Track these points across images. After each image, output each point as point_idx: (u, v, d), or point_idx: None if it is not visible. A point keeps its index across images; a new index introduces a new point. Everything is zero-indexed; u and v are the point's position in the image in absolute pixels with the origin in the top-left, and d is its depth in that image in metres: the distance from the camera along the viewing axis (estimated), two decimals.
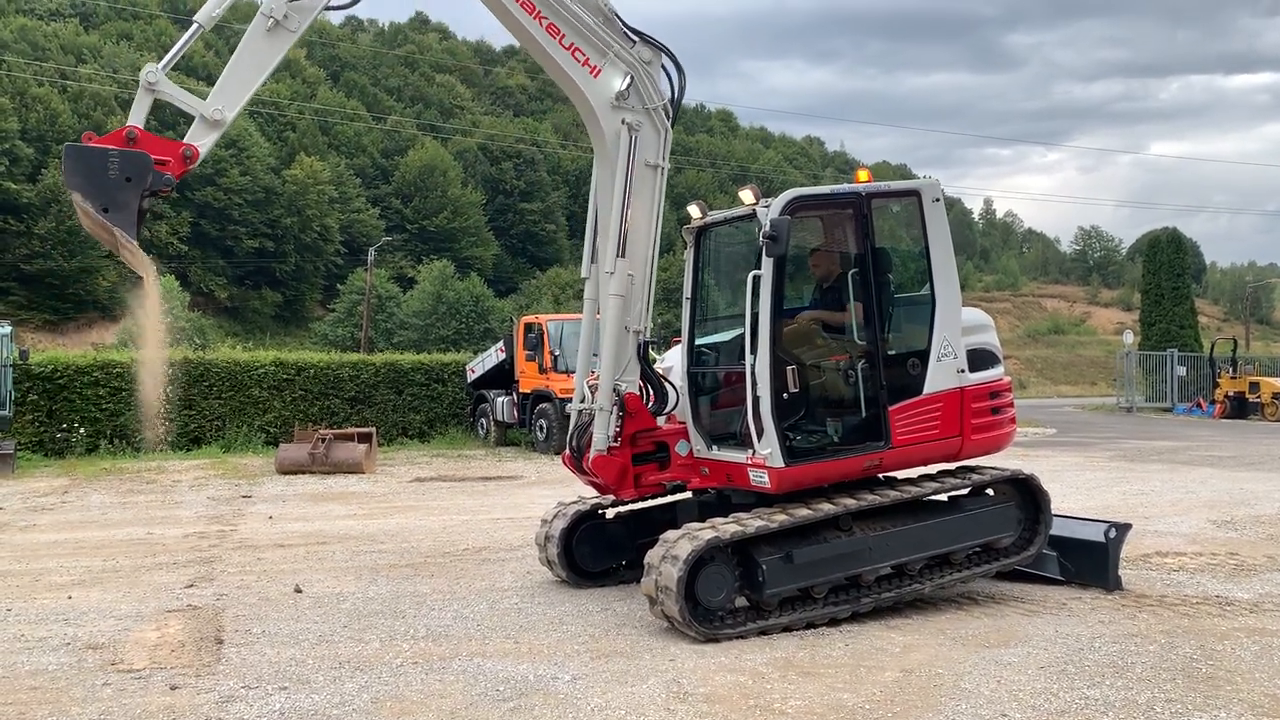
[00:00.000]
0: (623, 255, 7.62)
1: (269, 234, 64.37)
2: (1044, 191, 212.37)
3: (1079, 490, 14.50)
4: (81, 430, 21.07)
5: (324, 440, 18.57)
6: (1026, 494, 7.95)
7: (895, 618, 7.25)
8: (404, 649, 6.56)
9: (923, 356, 7.42)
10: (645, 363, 7.87)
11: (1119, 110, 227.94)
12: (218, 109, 6.63)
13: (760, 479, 7.08)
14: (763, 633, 6.80)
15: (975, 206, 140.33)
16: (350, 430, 19.91)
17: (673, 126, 7.92)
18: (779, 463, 6.93)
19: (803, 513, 6.98)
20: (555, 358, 21.78)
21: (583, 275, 8.25)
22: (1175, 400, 41.47)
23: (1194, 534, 10.89)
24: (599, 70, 7.61)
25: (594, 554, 8.49)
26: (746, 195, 7.31)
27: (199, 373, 22.68)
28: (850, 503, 7.15)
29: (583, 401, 7.98)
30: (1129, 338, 45.37)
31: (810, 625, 6.97)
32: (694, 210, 8.11)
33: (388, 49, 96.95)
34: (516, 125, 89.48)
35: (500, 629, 7.06)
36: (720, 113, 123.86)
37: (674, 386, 7.98)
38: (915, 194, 7.60)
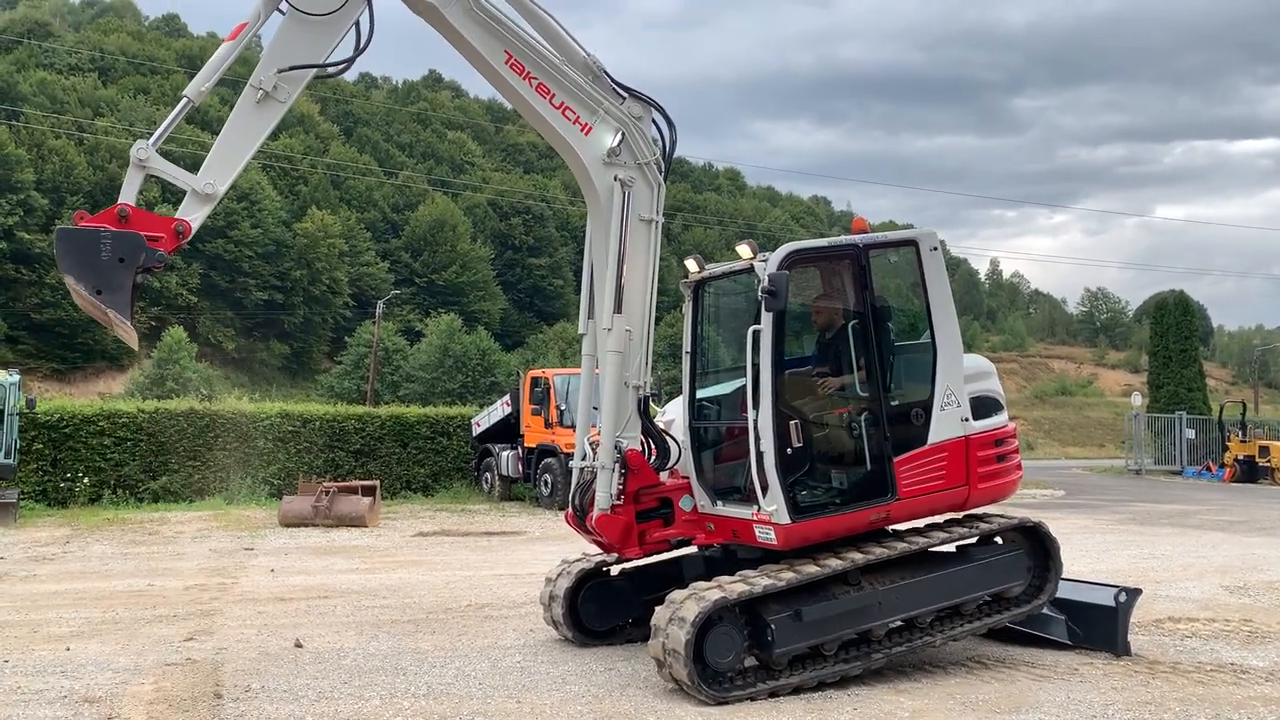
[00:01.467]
0: (619, 311, 7.58)
1: (278, 286, 64.79)
2: (1049, 253, 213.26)
3: (1088, 554, 14.34)
4: (85, 480, 21.02)
5: (328, 493, 18.49)
6: (1035, 541, 7.88)
7: (903, 681, 7.13)
8: (405, 707, 6.46)
9: (926, 406, 7.39)
10: (646, 418, 7.82)
11: (1123, 174, 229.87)
12: (209, 183, 6.57)
13: (767, 535, 7.01)
14: (773, 693, 6.70)
15: (981, 267, 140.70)
16: (354, 483, 19.85)
17: (666, 180, 7.90)
18: (785, 519, 6.87)
19: (810, 569, 6.90)
20: (561, 412, 21.75)
21: (580, 332, 8.24)
22: (1184, 463, 41.21)
23: (1206, 599, 10.74)
24: (590, 128, 7.60)
25: (599, 612, 8.38)
26: (744, 250, 7.32)
27: (205, 423, 22.67)
28: (858, 557, 7.08)
29: (584, 459, 7.92)
30: (1137, 399, 45.22)
31: (821, 684, 6.86)
32: (691, 264, 8.12)
33: (400, 105, 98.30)
34: (526, 181, 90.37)
35: (502, 688, 6.96)
36: (728, 171, 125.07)
37: (675, 441, 7.93)
38: (913, 243, 7.61)
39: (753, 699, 6.61)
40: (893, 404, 7.34)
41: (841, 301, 7.63)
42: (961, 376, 7.54)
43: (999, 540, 7.86)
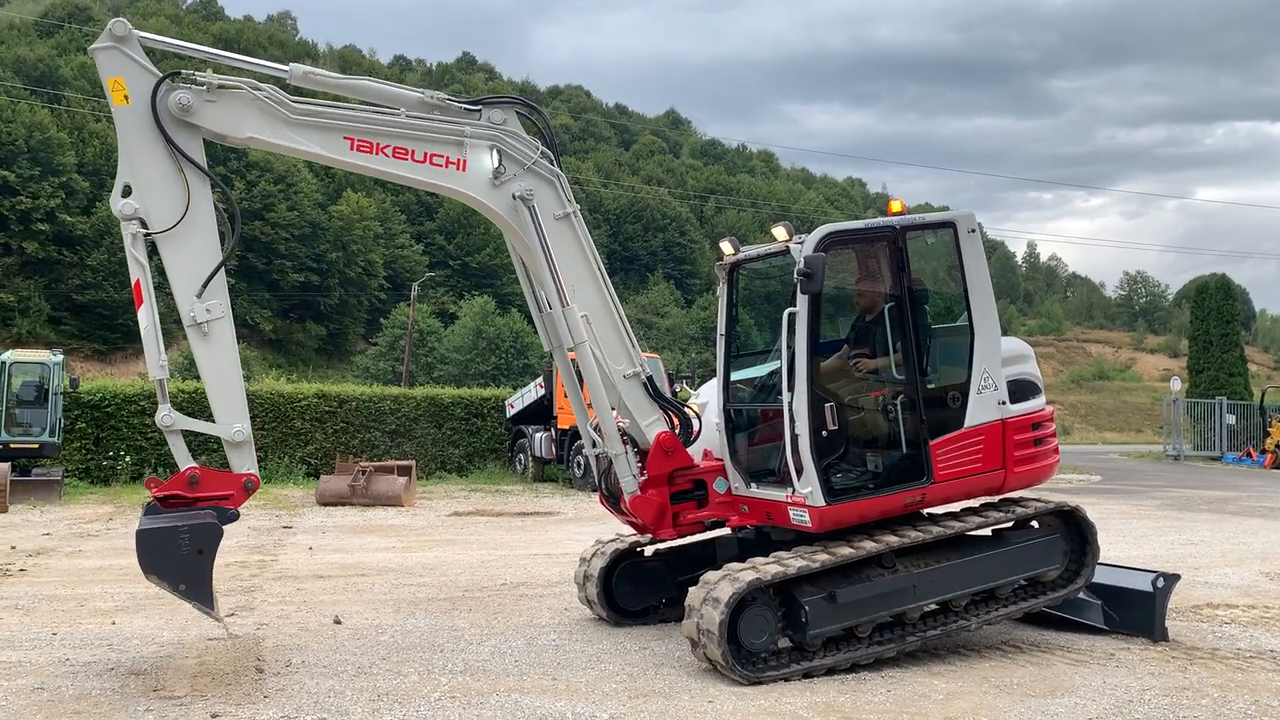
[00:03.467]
0: (567, 304, 7.28)
1: (314, 268, 65.29)
2: (1087, 236, 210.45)
3: (1125, 539, 14.21)
4: (127, 458, 21.39)
5: (364, 473, 18.71)
6: (1072, 525, 7.84)
7: (937, 664, 7.13)
8: (442, 683, 6.55)
9: (963, 389, 7.34)
10: (660, 396, 7.78)
11: (1163, 155, 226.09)
12: (236, 430, 6.57)
13: (801, 518, 7.02)
14: (806, 674, 6.72)
15: (1018, 250, 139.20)
16: (390, 463, 20.05)
17: (560, 165, 7.46)
18: (819, 501, 6.87)
19: (845, 551, 6.90)
20: None
21: (546, 350, 8.09)
22: (1224, 449, 40.64)
23: (1246, 586, 10.62)
24: (463, 161, 7.11)
25: (634, 592, 8.44)
26: (779, 232, 7.28)
27: None
28: (893, 540, 7.07)
29: (595, 447, 7.93)
30: (1176, 384, 44.61)
31: (855, 666, 6.88)
32: (726, 246, 8.07)
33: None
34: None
35: (538, 665, 7.03)
36: (762, 153, 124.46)
37: (696, 414, 7.93)
38: (951, 225, 7.52)
39: (786, 679, 6.64)
40: (929, 387, 7.30)
41: (878, 284, 7.58)
42: (999, 360, 7.48)
43: (1035, 524, 7.82)
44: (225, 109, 6.63)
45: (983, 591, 7.41)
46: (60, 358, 20.71)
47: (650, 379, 7.77)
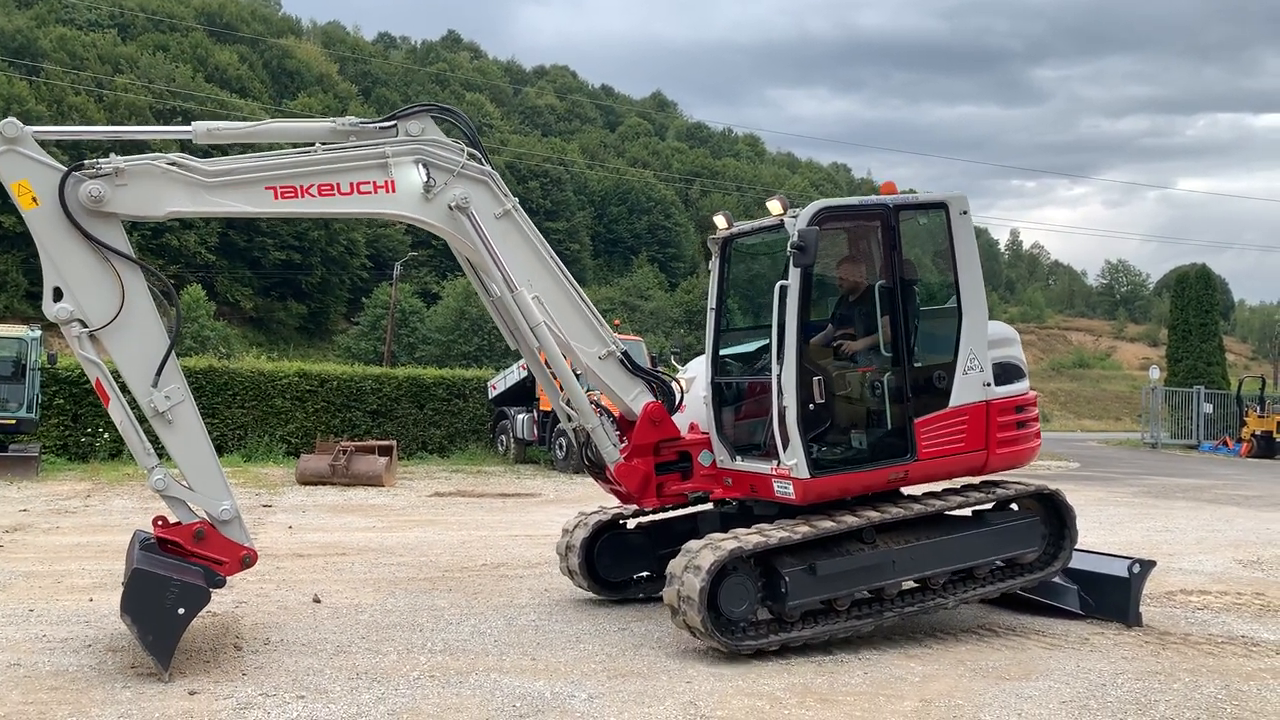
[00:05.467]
0: (515, 289, 7.14)
1: (296, 246, 64.84)
2: (1069, 224, 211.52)
3: (1102, 525, 14.35)
4: (105, 435, 21.25)
5: (345, 452, 18.66)
6: (1051, 509, 7.92)
7: (914, 646, 7.19)
8: (421, 662, 6.56)
9: (949, 369, 7.42)
10: (639, 370, 7.77)
11: (1145, 146, 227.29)
12: (224, 509, 6.50)
13: (785, 490, 7.08)
14: (785, 646, 6.79)
15: (1001, 237, 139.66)
16: (371, 443, 20.01)
17: (488, 162, 7.21)
18: (804, 474, 6.93)
19: (826, 524, 6.98)
20: (577, 376, 21.80)
21: (512, 348, 8.05)
22: (1201, 438, 41.04)
23: (1219, 573, 10.75)
24: (391, 182, 6.81)
25: (615, 564, 8.49)
26: (774, 205, 7.31)
27: (223, 381, 22.85)
28: (874, 515, 7.16)
29: (569, 420, 7.95)
30: (1155, 373, 44.98)
31: (832, 642, 6.95)
32: (720, 220, 8.09)
33: (419, 66, 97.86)
34: (544, 145, 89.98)
35: (517, 645, 7.05)
36: (747, 137, 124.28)
37: (680, 385, 7.97)
38: (943, 206, 7.59)
39: (764, 650, 6.70)
40: (916, 365, 7.36)
41: (868, 263, 7.63)
42: (985, 342, 7.55)
43: (1015, 507, 7.91)
44: (139, 190, 6.31)
45: (961, 571, 7.49)
46: (38, 333, 20.53)
47: (626, 353, 7.76)
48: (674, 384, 7.95)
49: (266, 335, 60.82)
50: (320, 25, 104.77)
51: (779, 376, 6.97)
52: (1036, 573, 7.81)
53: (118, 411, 6.38)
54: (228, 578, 6.58)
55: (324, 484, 18.18)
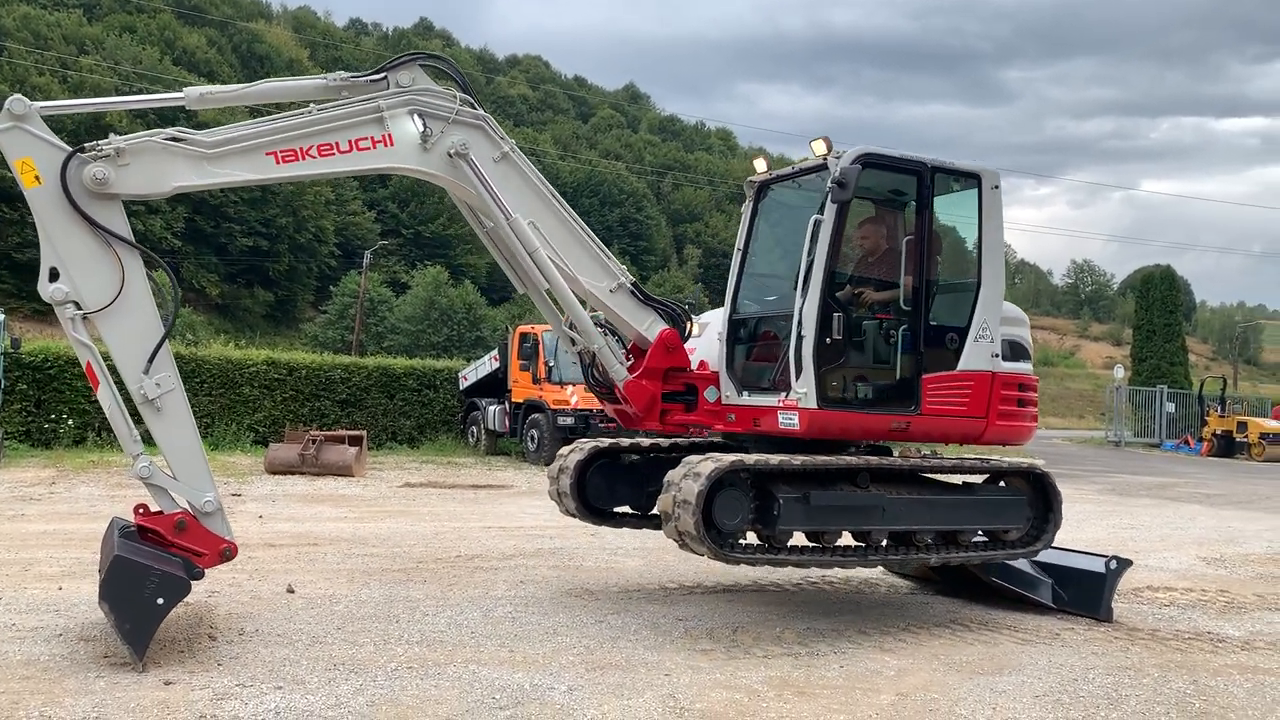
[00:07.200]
0: (511, 217, 7.23)
1: (263, 233, 64.26)
2: (1035, 224, 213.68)
3: (1067, 522, 14.35)
4: (70, 422, 20.95)
5: (314, 442, 18.51)
6: (1039, 490, 8.05)
7: (889, 641, 7.26)
8: (398, 653, 6.53)
9: (961, 333, 7.58)
10: (650, 299, 7.82)
11: (1110, 147, 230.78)
12: (206, 500, 6.47)
13: (789, 421, 7.18)
14: (771, 565, 7.05)
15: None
16: (340, 432, 19.85)
17: (478, 106, 7.26)
18: (812, 404, 7.06)
19: (823, 458, 7.13)
20: (550, 369, 21.78)
21: (520, 291, 8.14)
22: (1163, 436, 41.67)
23: (1184, 570, 10.93)
24: (388, 135, 6.86)
25: (606, 491, 8.52)
26: (819, 146, 7.43)
27: (190, 369, 22.56)
28: (870, 459, 7.35)
29: (573, 344, 7.97)
30: (1119, 372, 45.60)
31: (809, 640, 7.00)
32: (759, 164, 8.25)
33: (390, 53, 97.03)
34: (516, 134, 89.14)
35: (494, 637, 7.04)
36: (719, 131, 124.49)
37: (685, 311, 8.04)
38: (977, 177, 7.81)
39: (752, 564, 6.96)
40: (931, 323, 7.52)
41: (893, 223, 7.82)
42: (999, 315, 7.74)
43: (1004, 483, 8.10)
44: (142, 168, 6.26)
45: (946, 532, 7.62)
46: (1, 317, 20.20)
47: (636, 283, 7.82)
48: (686, 322, 8.01)
49: (232, 322, 60.19)
50: (291, 10, 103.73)
51: (801, 308, 7.10)
52: (1018, 550, 7.93)
53: (106, 396, 6.31)
54: (205, 570, 6.52)
55: (293, 473, 18.03)
